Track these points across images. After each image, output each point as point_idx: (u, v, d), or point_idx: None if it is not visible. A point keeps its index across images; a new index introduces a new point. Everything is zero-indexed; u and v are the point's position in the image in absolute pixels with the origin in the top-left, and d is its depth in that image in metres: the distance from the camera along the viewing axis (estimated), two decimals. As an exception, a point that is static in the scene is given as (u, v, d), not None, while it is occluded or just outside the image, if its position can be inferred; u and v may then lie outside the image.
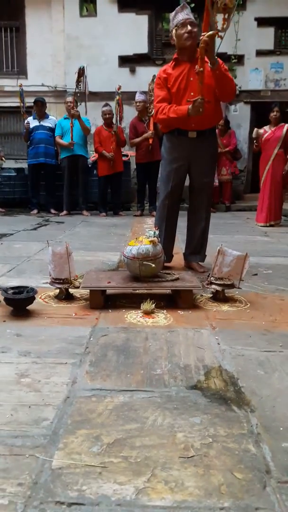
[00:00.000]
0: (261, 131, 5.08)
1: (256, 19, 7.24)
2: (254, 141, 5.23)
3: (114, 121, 5.82)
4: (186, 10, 2.49)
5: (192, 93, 2.46)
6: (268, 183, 5.05)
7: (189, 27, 2.43)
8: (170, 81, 2.54)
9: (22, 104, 6.22)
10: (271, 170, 5.02)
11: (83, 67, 5.78)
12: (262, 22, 7.29)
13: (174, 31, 2.48)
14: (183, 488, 0.88)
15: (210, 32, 2.21)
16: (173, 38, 2.52)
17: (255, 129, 5.20)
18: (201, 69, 2.32)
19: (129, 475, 0.92)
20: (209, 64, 2.34)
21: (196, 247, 2.82)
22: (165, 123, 2.66)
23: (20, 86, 6.30)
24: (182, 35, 2.44)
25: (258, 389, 1.28)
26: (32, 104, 6.05)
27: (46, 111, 6.19)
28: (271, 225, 5.01)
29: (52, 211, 6.07)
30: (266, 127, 5.11)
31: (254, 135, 5.15)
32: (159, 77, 2.62)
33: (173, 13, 2.50)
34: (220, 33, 2.23)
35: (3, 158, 6.15)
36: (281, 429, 1.08)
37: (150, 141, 5.57)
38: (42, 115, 6.03)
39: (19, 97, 6.25)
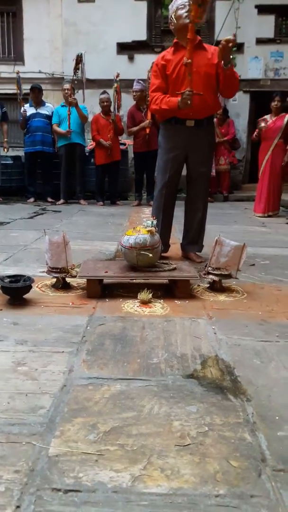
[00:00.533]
0: (263, 124, 5.02)
1: (256, 6, 7.12)
2: (255, 132, 5.17)
3: (112, 109, 5.75)
4: None
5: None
6: (267, 173, 5.02)
7: (188, 7, 2.41)
8: (170, 68, 2.51)
9: (19, 91, 6.12)
10: (270, 160, 4.99)
11: (81, 54, 5.68)
12: (262, 9, 7.17)
13: (173, 14, 2.45)
14: (179, 476, 0.89)
15: (229, 37, 2.25)
16: (172, 23, 2.49)
17: (259, 120, 5.13)
18: (189, 60, 2.32)
19: (125, 463, 0.92)
20: (222, 63, 2.34)
21: (194, 237, 2.81)
22: (158, 113, 2.66)
23: (17, 73, 6.19)
24: (182, 15, 2.42)
25: (254, 379, 1.28)
26: (29, 91, 5.97)
27: (43, 98, 6.11)
28: (269, 216, 5.00)
29: (49, 199, 6.02)
30: (267, 116, 5.06)
31: (258, 127, 5.08)
32: (156, 64, 2.59)
33: (173, 1, 2.49)
34: (196, 26, 2.33)
35: (6, 149, 6.08)
36: (277, 418, 1.09)
37: (147, 130, 5.52)
38: (39, 103, 5.94)
39: (16, 84, 6.15)
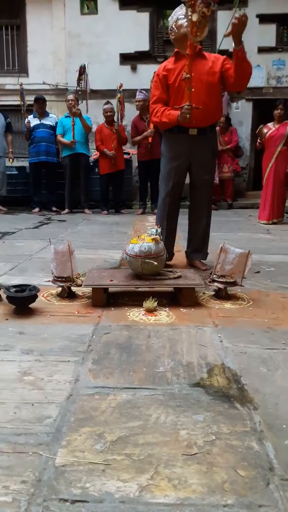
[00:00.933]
0: (265, 130, 5.05)
1: (258, 16, 7.20)
2: (258, 139, 5.20)
3: (115, 119, 5.81)
4: (184, 8, 2.51)
5: (193, 89, 2.46)
6: (271, 180, 5.03)
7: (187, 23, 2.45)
8: (171, 77, 2.53)
9: (22, 103, 6.22)
10: (274, 168, 5.00)
11: (84, 65, 5.77)
12: (263, 19, 7.25)
13: (174, 24, 2.49)
14: (186, 486, 0.88)
15: (239, 15, 2.22)
16: (173, 32, 2.52)
17: (260, 126, 5.17)
18: (188, 75, 2.35)
19: (132, 473, 0.92)
20: (233, 45, 2.28)
21: (198, 245, 2.81)
22: (159, 125, 2.69)
23: (21, 85, 6.30)
24: (183, 24, 2.44)
25: (261, 387, 1.28)
26: (33, 102, 6.05)
27: (47, 109, 6.19)
28: (273, 223, 5.00)
29: (54, 209, 6.07)
30: (270, 124, 5.08)
31: (257, 133, 5.13)
32: (157, 75, 2.61)
33: (173, 12, 2.54)
34: (195, 42, 2.32)
35: (11, 160, 6.16)
36: (284, 426, 1.08)
37: (150, 139, 5.59)
38: (43, 113, 6.02)
39: (20, 96, 6.25)
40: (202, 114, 2.50)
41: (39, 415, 1.12)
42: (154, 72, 2.81)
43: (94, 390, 1.25)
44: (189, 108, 2.38)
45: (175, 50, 2.61)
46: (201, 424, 1.09)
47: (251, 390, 1.26)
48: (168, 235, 2.74)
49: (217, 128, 6.62)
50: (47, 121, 6.00)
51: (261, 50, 7.33)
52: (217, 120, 2.70)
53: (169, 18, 2.59)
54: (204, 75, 2.47)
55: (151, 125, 5.55)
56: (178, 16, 2.47)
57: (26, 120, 5.98)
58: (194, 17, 2.22)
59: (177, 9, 2.52)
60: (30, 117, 6.03)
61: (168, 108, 2.54)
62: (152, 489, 0.87)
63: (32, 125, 5.95)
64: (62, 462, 0.95)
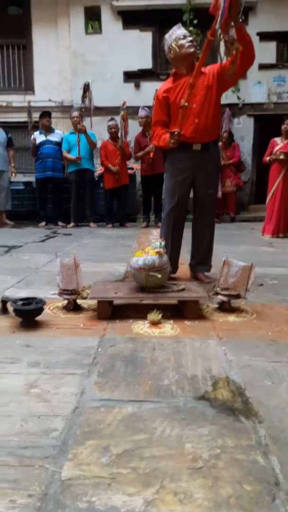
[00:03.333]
0: (277, 147, 5.02)
1: (258, 34, 7.36)
2: (273, 155, 5.09)
3: (119, 135, 5.92)
4: (182, 28, 2.58)
5: (194, 105, 2.52)
6: (278, 195, 5.02)
7: (190, 38, 2.50)
8: (171, 97, 2.58)
9: (29, 120, 6.35)
10: (282, 182, 5.01)
11: (88, 83, 5.91)
12: (264, 36, 7.42)
13: (174, 43, 2.51)
14: (192, 500, 0.88)
15: None
16: (171, 51, 2.54)
17: (272, 142, 5.14)
18: (186, 104, 2.42)
19: (138, 486, 0.92)
20: (232, 24, 2.17)
21: (202, 258, 2.83)
22: (160, 147, 2.80)
23: (29, 102, 6.45)
24: (184, 44, 2.48)
25: (265, 400, 1.28)
26: (39, 118, 6.17)
27: (53, 125, 6.32)
28: (278, 237, 5.00)
29: (60, 223, 6.14)
30: (277, 139, 5.11)
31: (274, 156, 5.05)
32: (157, 98, 2.66)
33: (170, 31, 2.56)
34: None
35: (14, 174, 6.25)
36: (290, 440, 1.08)
37: (151, 154, 5.70)
38: (49, 128, 6.14)
39: (27, 113, 6.39)
40: (205, 129, 2.55)
41: (45, 428, 1.13)
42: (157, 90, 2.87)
43: (99, 403, 1.26)
44: (177, 135, 2.48)
45: (173, 70, 2.65)
46: (206, 438, 1.09)
47: (256, 403, 1.26)
48: (173, 249, 2.76)
49: (220, 143, 6.72)
50: (53, 137, 6.12)
51: (262, 67, 7.47)
52: (217, 136, 2.74)
53: (166, 36, 2.58)
54: (203, 90, 2.52)
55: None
56: (178, 35, 2.50)
57: (32, 137, 6.10)
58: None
59: (175, 28, 2.55)
60: (36, 133, 6.15)
61: (164, 132, 2.62)
62: (157, 503, 0.87)
63: (38, 141, 6.06)
64: (68, 475, 0.95)
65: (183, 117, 2.46)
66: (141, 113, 5.85)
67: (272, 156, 5.06)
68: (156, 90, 2.84)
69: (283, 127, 5.02)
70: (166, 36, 2.60)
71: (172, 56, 2.56)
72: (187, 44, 2.48)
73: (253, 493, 0.90)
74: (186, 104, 2.43)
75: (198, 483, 0.93)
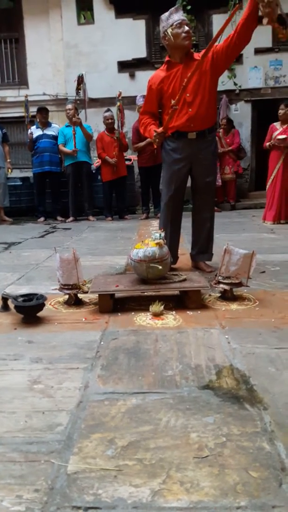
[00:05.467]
0: (276, 133, 4.95)
1: (253, 17, 7.22)
2: (272, 141, 5.03)
3: (116, 126, 5.86)
4: (180, 12, 2.51)
5: (187, 94, 2.47)
6: (278, 181, 4.98)
7: (186, 28, 2.44)
8: (165, 86, 2.54)
9: (26, 114, 6.30)
10: (282, 168, 4.96)
11: (82, 75, 5.84)
12: (258, 19, 7.27)
13: (170, 30, 2.44)
14: (198, 489, 0.88)
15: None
16: (166, 37, 2.48)
17: (272, 127, 5.08)
18: (176, 106, 2.40)
19: (144, 477, 0.92)
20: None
21: (202, 247, 2.82)
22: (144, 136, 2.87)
23: (26, 97, 6.39)
24: (180, 34, 2.43)
25: (270, 387, 1.27)
26: (36, 112, 6.12)
27: (48, 119, 6.26)
28: (279, 223, 4.96)
29: (59, 218, 6.12)
30: (276, 124, 5.02)
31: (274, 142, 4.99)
32: (150, 87, 2.61)
33: (167, 13, 2.48)
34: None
35: (9, 170, 6.22)
36: (295, 426, 1.08)
37: (155, 145, 5.58)
38: (46, 123, 6.09)
39: (24, 107, 6.33)
40: (200, 117, 2.52)
41: (50, 423, 1.13)
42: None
43: (103, 396, 1.25)
44: (161, 134, 2.52)
45: (167, 58, 2.60)
46: (211, 426, 1.09)
47: (260, 390, 1.25)
48: (172, 239, 2.74)
49: (220, 130, 6.64)
50: (49, 131, 6.07)
51: (258, 51, 7.35)
52: (214, 123, 2.69)
53: (163, 18, 2.49)
54: (196, 75, 2.44)
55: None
56: (174, 22, 2.42)
57: (29, 131, 6.06)
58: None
59: (173, 10, 2.46)
60: (33, 128, 6.11)
61: (151, 123, 2.64)
62: (164, 493, 0.87)
63: (35, 136, 6.02)
64: (74, 469, 0.95)
65: (171, 118, 2.45)
66: (139, 101, 5.76)
67: (271, 141, 5.00)
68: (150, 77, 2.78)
69: (279, 112, 4.95)
70: (163, 17, 2.51)
71: (166, 42, 2.51)
72: (182, 35, 2.42)
73: (260, 479, 0.90)
74: (177, 107, 2.40)
75: (204, 472, 0.93)
